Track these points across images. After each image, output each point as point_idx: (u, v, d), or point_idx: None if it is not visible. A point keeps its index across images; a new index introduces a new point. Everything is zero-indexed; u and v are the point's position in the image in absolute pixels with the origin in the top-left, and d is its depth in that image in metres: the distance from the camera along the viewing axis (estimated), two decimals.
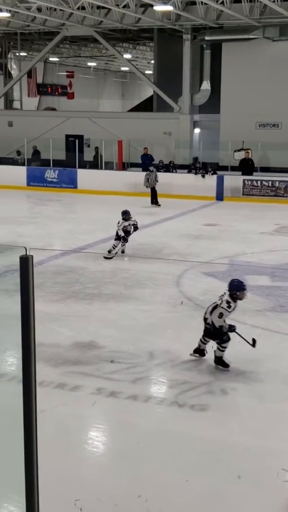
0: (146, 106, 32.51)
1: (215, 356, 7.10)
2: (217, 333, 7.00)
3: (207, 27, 25.48)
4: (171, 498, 4.58)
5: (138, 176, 22.71)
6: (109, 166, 26.11)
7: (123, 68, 41.77)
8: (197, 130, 27.63)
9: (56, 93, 38.91)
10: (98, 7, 24.39)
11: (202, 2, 23.06)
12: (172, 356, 7.41)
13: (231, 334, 6.99)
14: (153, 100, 29.89)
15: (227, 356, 7.06)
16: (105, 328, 8.50)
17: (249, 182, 22.15)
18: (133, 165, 25.95)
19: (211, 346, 7.61)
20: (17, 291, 2.91)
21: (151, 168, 21.12)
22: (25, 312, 2.87)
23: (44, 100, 38.67)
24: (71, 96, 37.84)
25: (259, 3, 22.84)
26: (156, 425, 5.77)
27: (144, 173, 21.15)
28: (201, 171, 22.73)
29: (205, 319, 7.13)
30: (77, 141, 25.13)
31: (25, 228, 15.97)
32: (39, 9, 24.73)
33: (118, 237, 12.57)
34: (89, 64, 41.54)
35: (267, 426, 5.73)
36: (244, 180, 22.23)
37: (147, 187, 20.64)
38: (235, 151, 23.68)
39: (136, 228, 12.88)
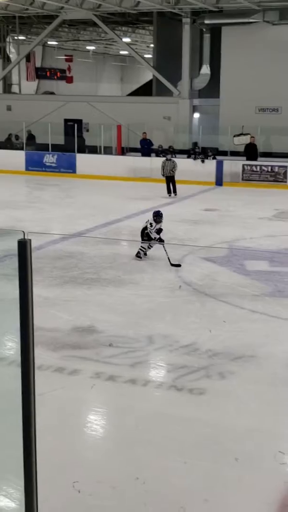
0: (145, 90, 32.31)
1: None
2: None
3: (207, 10, 25.27)
4: (169, 480, 4.62)
5: (137, 161, 22.68)
6: (108, 151, 26.02)
7: (122, 52, 41.46)
8: (196, 115, 27.49)
9: (55, 77, 38.63)
10: None
11: None
12: (170, 340, 7.44)
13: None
14: (153, 84, 29.72)
15: (226, 339, 7.09)
16: (104, 312, 8.52)
17: (249, 167, 22.11)
18: (132, 150, 25.87)
19: (209, 330, 7.67)
20: (16, 275, 2.91)
21: (168, 156, 20.65)
22: (24, 296, 2.88)
23: (42, 84, 38.43)
24: (70, 80, 37.60)
25: None
26: (154, 409, 5.81)
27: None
28: (200, 156, 22.67)
29: None
30: (75, 125, 25.01)
31: (24, 213, 15.96)
32: None
33: (148, 239, 11.39)
34: (88, 48, 41.24)
35: (264, 410, 5.76)
36: (243, 165, 22.19)
37: (162, 175, 19.93)
38: (234, 136, 23.59)
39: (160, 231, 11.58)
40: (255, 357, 6.99)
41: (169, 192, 19.69)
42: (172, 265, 10.88)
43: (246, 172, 22.13)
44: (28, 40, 35.45)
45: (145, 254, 11.54)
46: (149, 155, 23.73)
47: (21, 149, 25.49)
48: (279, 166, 21.86)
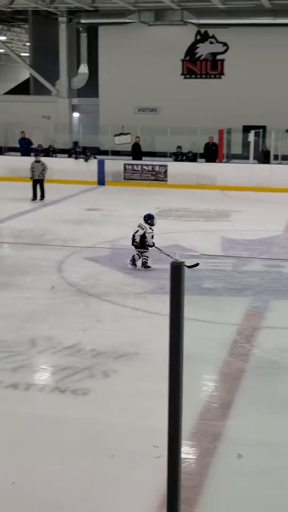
0: (23, 89, 31.82)
1: None
2: None
3: (83, 10, 25.28)
4: (45, 483, 4.59)
5: (16, 161, 22.28)
6: None
7: None
8: (76, 114, 27.45)
9: None
10: None
11: None
12: (54, 342, 7.37)
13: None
14: (30, 83, 29.35)
15: (110, 338, 7.11)
16: None
17: (130, 167, 22.34)
18: (11, 149, 25.39)
19: (83, 330, 7.68)
20: None
21: (38, 158, 18.85)
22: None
23: None
24: None
25: None
26: (36, 412, 5.73)
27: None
28: (82, 156, 22.63)
29: None
30: None
31: None
32: None
33: (141, 245, 10.87)
34: None
35: (145, 406, 5.84)
36: (125, 165, 22.39)
37: (31, 178, 18.35)
38: (115, 136, 23.77)
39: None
40: (138, 354, 7.08)
41: (34, 197, 18.22)
42: (189, 267, 9.92)
43: (128, 172, 22.35)
44: None
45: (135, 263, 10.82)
46: (28, 155, 23.36)
47: None
48: (160, 165, 22.25)
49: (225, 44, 26.02)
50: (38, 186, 18.38)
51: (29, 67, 28.43)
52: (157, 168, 22.22)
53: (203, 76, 26.52)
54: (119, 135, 23.70)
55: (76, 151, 23.13)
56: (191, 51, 26.42)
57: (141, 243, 10.93)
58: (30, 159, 19.66)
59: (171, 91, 25.77)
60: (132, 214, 16.33)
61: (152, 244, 10.91)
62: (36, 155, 19.46)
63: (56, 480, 4.64)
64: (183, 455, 4.87)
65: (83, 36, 27.55)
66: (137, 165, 22.37)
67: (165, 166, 22.17)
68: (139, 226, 11.19)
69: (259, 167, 21.95)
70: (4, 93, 34.11)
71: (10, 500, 4.39)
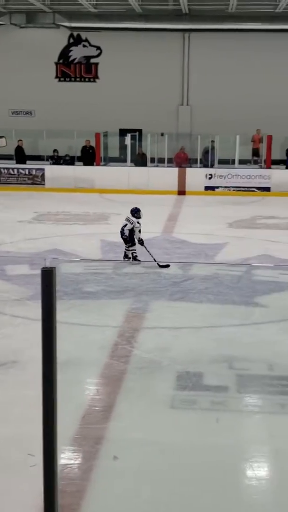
0: None
1: None
2: None
3: None
4: None
5: None
6: None
7: None
8: None
9: None
10: None
11: None
12: None
13: None
14: None
15: None
16: None
17: (6, 171, 21.94)
18: None
19: None
20: None
21: None
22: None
23: None
24: None
25: None
26: None
27: None
28: None
29: None
30: None
31: None
32: None
33: (131, 240, 11.24)
34: None
35: (27, 414, 5.74)
36: (0, 169, 21.96)
37: None
38: None
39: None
40: (18, 362, 6.95)
41: None
42: (161, 266, 10.67)
43: (4, 176, 21.94)
44: None
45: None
46: None
47: None
48: (36, 169, 22.02)
49: (98, 47, 26.21)
50: None
51: None
52: (34, 172, 21.98)
53: (78, 79, 26.57)
54: None
55: None
56: (64, 54, 26.39)
57: (130, 237, 11.31)
58: None
59: (46, 94, 25.60)
60: (9, 219, 16.09)
61: (140, 239, 11.19)
62: None
63: None
64: (64, 461, 4.88)
65: None
66: (13, 169, 22.01)
67: (42, 169, 21.99)
68: (127, 219, 11.40)
69: (136, 170, 22.29)
70: None
71: None
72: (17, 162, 22.55)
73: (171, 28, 25.04)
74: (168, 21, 24.55)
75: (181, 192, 21.52)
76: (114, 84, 25.83)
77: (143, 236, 11.31)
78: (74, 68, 26.49)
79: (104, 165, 23.81)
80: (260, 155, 24.02)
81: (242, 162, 23.05)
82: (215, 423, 5.61)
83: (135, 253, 11.36)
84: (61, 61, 26.44)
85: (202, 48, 25.72)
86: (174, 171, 22.10)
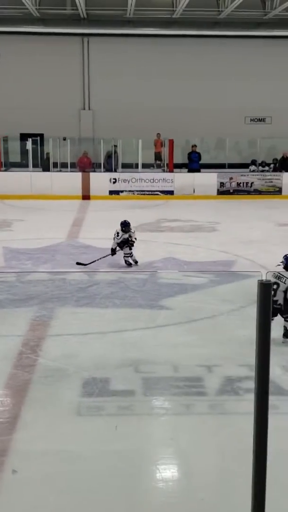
0: None
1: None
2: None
3: None
4: None
5: None
6: None
7: None
8: None
9: None
10: None
11: None
12: None
13: None
14: None
15: None
16: None
17: None
18: None
19: None
20: None
21: None
22: None
23: None
24: None
25: None
26: None
27: None
28: None
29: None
30: None
31: None
32: None
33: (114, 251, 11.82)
34: None
35: None
36: None
37: None
38: None
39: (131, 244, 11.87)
40: None
41: None
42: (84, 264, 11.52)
43: None
44: None
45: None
46: None
47: None
48: None
49: None
50: None
51: None
52: None
53: None
54: None
55: None
56: None
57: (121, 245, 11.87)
58: None
59: None
60: None
61: (135, 239, 11.85)
62: None
63: None
64: None
65: None
66: None
67: None
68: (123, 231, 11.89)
69: (39, 175, 22.07)
70: None
71: None
72: None
73: (70, 33, 24.98)
74: (66, 25, 24.50)
75: (86, 196, 21.49)
76: (14, 88, 25.46)
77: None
78: None
79: (5, 170, 23.39)
80: (162, 159, 24.37)
81: (146, 166, 23.30)
82: (121, 429, 5.62)
83: (127, 256, 11.91)
84: None
85: (102, 53, 25.82)
86: (77, 175, 22.04)
